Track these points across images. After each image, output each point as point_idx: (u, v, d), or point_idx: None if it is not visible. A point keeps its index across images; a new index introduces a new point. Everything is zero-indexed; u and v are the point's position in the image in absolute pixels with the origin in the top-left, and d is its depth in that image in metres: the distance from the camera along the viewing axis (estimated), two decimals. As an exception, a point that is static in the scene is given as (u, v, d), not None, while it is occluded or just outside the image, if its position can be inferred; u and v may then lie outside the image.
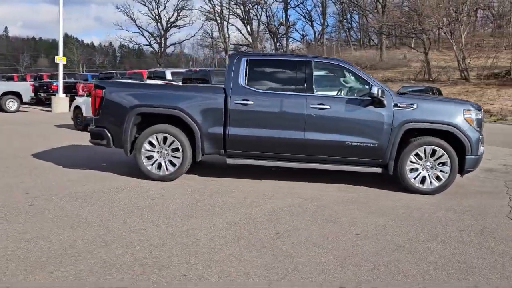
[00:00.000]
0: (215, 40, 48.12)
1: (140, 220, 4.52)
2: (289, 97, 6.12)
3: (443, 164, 6.00)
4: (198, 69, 18.21)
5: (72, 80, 24.99)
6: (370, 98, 5.96)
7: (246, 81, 6.18)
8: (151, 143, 6.23)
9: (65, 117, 15.07)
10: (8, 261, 3.39)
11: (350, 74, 6.25)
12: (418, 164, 6.04)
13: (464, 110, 6.03)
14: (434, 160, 6.01)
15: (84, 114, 12.23)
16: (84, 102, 12.37)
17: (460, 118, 5.98)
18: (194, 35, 49.39)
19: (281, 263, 3.56)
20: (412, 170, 6.05)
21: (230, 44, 45.33)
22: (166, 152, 6.25)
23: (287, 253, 3.75)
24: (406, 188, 6.09)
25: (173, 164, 6.25)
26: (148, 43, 51.61)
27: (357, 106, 6.02)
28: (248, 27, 44.24)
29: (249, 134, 6.13)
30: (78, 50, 78.18)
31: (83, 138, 9.63)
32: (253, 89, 6.13)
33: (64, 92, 19.88)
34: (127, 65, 69.04)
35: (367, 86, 6.07)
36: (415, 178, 6.06)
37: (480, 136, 6.05)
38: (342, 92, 6.27)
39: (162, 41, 49.88)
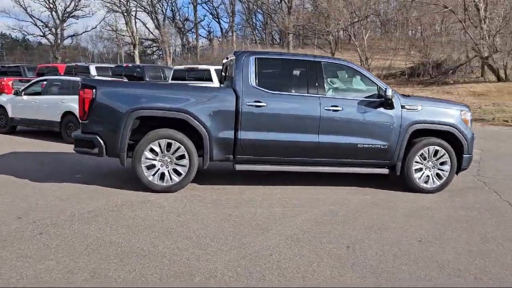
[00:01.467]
0: (119, 34, 45.27)
1: (191, 243, 3.93)
2: (303, 99, 5.86)
3: (443, 163, 6.26)
4: (130, 65, 16.91)
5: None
6: (378, 99, 5.97)
7: (257, 82, 5.77)
8: (152, 151, 5.52)
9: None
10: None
11: (358, 75, 6.19)
12: (422, 164, 6.22)
13: (461, 111, 6.35)
14: (436, 160, 6.24)
15: (10, 115, 10.54)
16: (8, 101, 10.67)
17: (458, 119, 6.28)
18: (96, 27, 45.81)
19: (401, 281, 3.34)
20: (416, 170, 6.21)
21: (139, 38, 43.09)
22: (169, 160, 5.59)
23: (389, 271, 3.52)
24: (410, 188, 6.22)
25: (178, 173, 5.62)
26: (42, 34, 46.72)
27: (368, 107, 5.98)
28: (156, 21, 42.46)
29: (262, 139, 5.74)
30: None
31: (19, 144, 8.34)
32: (265, 90, 5.75)
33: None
34: (12, 57, 62.08)
35: (374, 87, 6.07)
36: (419, 178, 6.22)
37: (474, 136, 6.42)
38: (352, 93, 6.17)
39: (58, 32, 45.51)
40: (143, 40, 49.87)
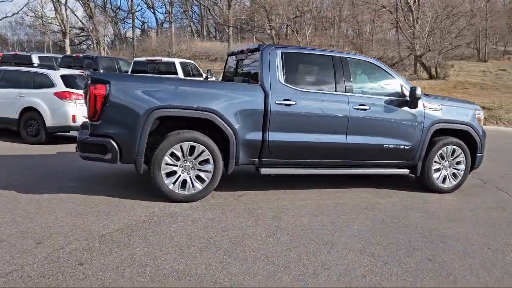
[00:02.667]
0: (45, 21, 41.62)
1: (266, 265, 3.40)
2: (333, 97, 5.48)
3: (459, 163, 6.23)
4: (81, 55, 15.32)
5: None
6: (401, 98, 5.77)
7: (284, 78, 5.29)
8: (173, 155, 4.84)
9: None
10: None
11: (381, 72, 5.91)
12: (440, 164, 6.14)
13: (475, 110, 6.35)
14: (452, 159, 6.19)
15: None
16: None
17: (473, 118, 6.28)
18: (17, 13, 41.59)
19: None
20: (435, 170, 6.11)
21: (70, 27, 39.84)
22: (191, 165, 4.94)
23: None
24: (429, 188, 6.12)
25: (201, 180, 4.99)
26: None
27: (393, 106, 5.75)
28: (88, 9, 39.55)
29: (291, 140, 5.28)
30: None
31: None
32: (294, 87, 5.29)
33: None
34: None
35: (397, 85, 5.85)
36: (438, 178, 6.14)
37: (485, 134, 6.46)
38: (377, 91, 5.88)
39: (-28, 16, 40.76)
40: (70, 29, 46.43)
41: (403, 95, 5.81)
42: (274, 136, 5.19)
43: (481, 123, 6.39)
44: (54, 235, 3.73)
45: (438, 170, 6.13)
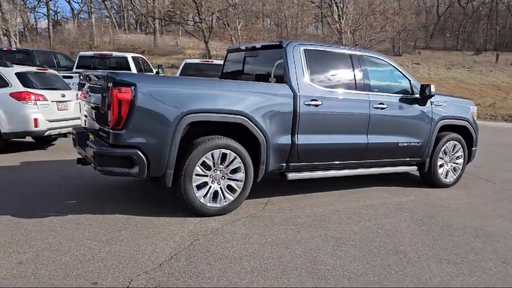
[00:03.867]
0: None
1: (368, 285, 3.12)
2: (356, 96, 5.29)
3: (458, 157, 6.41)
4: (13, 48, 13.47)
5: None
6: (412, 96, 5.78)
7: (309, 77, 4.99)
8: (204, 165, 4.33)
9: None
10: None
11: (393, 70, 5.85)
12: (443, 159, 6.27)
13: (471, 106, 6.57)
14: (453, 154, 6.35)
15: None
16: None
17: (470, 113, 6.49)
18: None
19: None
20: (440, 165, 6.23)
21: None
22: (221, 174, 4.47)
23: None
24: (434, 183, 6.22)
25: (232, 190, 4.55)
26: None
27: (406, 104, 5.73)
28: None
29: (318, 142, 5.01)
30: None
31: None
32: (319, 87, 5.01)
33: None
34: None
35: (407, 83, 5.84)
36: (442, 173, 6.27)
37: (478, 129, 6.72)
38: (391, 89, 5.79)
39: None
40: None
41: (413, 93, 5.82)
42: (302, 139, 4.88)
43: (475, 117, 6.63)
44: (103, 270, 3.11)
45: (441, 165, 6.25)
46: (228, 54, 6.20)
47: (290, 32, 42.20)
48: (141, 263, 3.25)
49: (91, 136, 4.69)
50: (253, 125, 4.49)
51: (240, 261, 3.39)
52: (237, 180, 4.55)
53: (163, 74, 13.15)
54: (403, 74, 5.87)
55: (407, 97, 5.75)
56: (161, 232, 3.92)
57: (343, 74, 5.37)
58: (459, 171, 6.45)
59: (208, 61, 12.24)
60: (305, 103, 4.84)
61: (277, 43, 5.05)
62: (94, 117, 4.50)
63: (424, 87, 5.72)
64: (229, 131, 4.53)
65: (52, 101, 7.56)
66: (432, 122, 5.95)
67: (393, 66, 5.84)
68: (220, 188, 4.47)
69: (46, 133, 7.40)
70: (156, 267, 3.21)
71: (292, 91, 4.78)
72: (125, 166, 4.01)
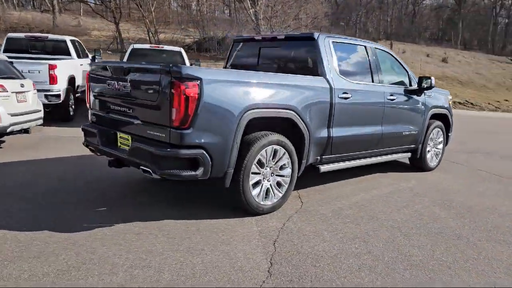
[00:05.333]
0: None
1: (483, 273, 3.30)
2: (375, 88, 5.47)
3: (440, 143, 7.00)
4: None
5: None
6: (411, 87, 6.14)
7: (339, 70, 5.03)
8: (259, 162, 4.17)
9: None
10: None
11: (395, 61, 6.12)
12: (429, 145, 6.79)
13: (448, 95, 7.17)
14: (436, 140, 6.91)
15: None
16: None
17: (447, 102, 7.09)
18: None
19: None
20: (428, 151, 6.74)
21: None
22: (270, 171, 4.35)
23: None
24: (422, 167, 6.74)
25: (280, 187, 4.45)
26: None
27: (408, 95, 6.06)
28: None
29: (349, 134, 5.11)
30: None
31: None
32: (347, 79, 5.08)
33: None
34: None
35: (406, 75, 6.18)
36: (428, 158, 6.79)
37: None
38: (395, 81, 6.05)
39: None
40: None
41: (411, 84, 6.18)
42: (336, 132, 4.93)
43: (451, 106, 7.26)
44: (223, 283, 2.87)
45: (429, 151, 6.76)
46: (235, 44, 5.95)
47: (200, 16, 41.47)
48: (249, 272, 3.06)
49: (123, 135, 4.21)
50: (301, 119, 4.42)
51: (338, 258, 3.37)
52: (284, 176, 4.46)
53: (101, 59, 12.12)
54: (403, 66, 6.19)
55: (409, 89, 6.09)
56: (233, 236, 3.71)
57: (363, 66, 5.51)
58: (440, 156, 7.04)
59: (158, 47, 11.56)
60: (339, 96, 4.88)
61: (309, 35, 4.99)
62: (135, 115, 4.02)
63: (421, 79, 6.11)
64: (274, 126, 4.40)
65: (12, 92, 6.59)
66: (426, 111, 6.39)
67: (394, 58, 6.12)
68: (270, 185, 4.35)
69: (9, 129, 6.43)
70: (266, 274, 3.05)
71: (328, 84, 4.79)
72: (190, 168, 3.70)
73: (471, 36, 57.07)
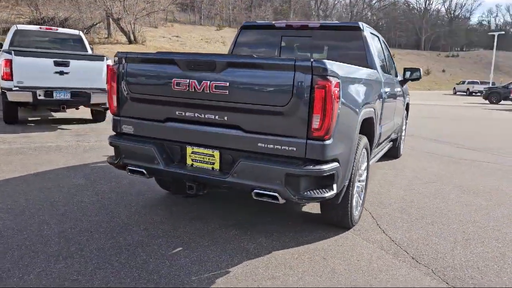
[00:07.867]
0: None
1: None
2: (393, 80, 5.42)
3: (403, 130, 7.38)
4: None
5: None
6: (397, 77, 6.28)
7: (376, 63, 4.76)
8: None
9: None
10: None
11: (388, 53, 6.09)
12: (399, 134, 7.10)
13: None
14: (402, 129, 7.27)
15: None
16: None
17: (406, 92, 7.48)
18: None
19: None
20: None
21: None
22: (357, 178, 3.90)
23: None
24: (396, 155, 7.04)
25: (359, 193, 4.03)
26: None
27: (399, 85, 6.13)
28: None
29: (383, 130, 4.92)
30: None
31: None
32: (382, 72, 4.85)
33: None
34: None
35: (393, 65, 6.27)
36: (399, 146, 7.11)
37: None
38: (391, 72, 6.01)
39: None
40: None
41: (396, 75, 6.31)
42: (380, 128, 4.70)
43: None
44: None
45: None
46: (242, 31, 5.11)
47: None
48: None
49: (201, 150, 3.19)
50: (375, 118, 4.05)
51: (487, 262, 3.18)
52: (363, 181, 4.05)
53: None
54: (391, 56, 6.25)
55: (398, 80, 6.18)
56: (359, 258, 3.19)
57: (381, 57, 5.34)
58: (403, 143, 7.43)
59: (51, 29, 9.38)
60: (385, 91, 4.64)
61: (354, 24, 4.57)
62: (234, 123, 3.04)
63: (406, 70, 6.26)
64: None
65: None
66: (404, 101, 6.62)
67: (388, 50, 6.13)
68: (357, 194, 3.89)
69: None
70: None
71: (380, 78, 4.50)
72: (326, 187, 3.00)
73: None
